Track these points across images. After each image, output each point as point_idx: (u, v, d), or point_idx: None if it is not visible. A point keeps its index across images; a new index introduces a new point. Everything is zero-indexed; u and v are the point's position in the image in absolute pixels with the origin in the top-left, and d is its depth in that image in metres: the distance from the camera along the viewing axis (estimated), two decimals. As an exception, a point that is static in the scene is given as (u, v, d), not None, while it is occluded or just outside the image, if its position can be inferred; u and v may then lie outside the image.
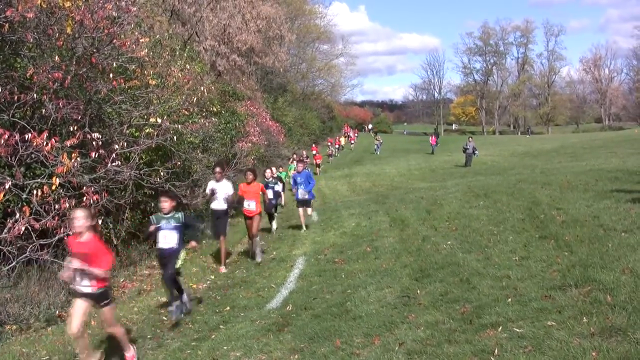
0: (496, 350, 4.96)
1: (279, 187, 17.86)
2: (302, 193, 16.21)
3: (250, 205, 12.83)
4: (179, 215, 8.93)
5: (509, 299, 6.41)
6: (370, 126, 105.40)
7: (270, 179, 17.00)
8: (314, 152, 43.98)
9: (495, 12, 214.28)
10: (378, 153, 54.41)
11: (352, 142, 69.08)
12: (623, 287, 5.95)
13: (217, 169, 12.50)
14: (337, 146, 57.32)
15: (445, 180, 26.17)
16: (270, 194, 16.04)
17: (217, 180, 12.43)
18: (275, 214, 18.19)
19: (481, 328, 5.63)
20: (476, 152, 35.44)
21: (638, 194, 11.37)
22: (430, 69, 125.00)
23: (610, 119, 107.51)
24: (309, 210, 16.87)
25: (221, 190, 12.30)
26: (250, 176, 12.90)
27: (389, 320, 6.56)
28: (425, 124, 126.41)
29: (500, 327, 5.51)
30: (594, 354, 4.56)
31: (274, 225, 17.37)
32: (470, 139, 36.92)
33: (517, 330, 5.35)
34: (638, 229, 8.52)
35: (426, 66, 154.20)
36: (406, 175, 31.96)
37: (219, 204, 12.41)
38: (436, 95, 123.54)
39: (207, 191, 12.71)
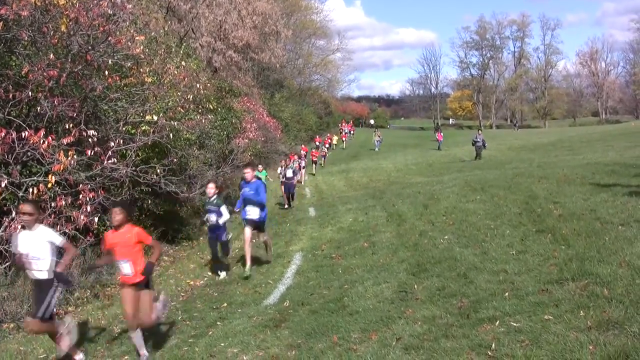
0: (493, 345, 4.96)
1: (224, 211, 11.84)
2: (250, 211, 11.34)
3: (125, 267, 6.87)
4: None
5: (506, 293, 6.41)
6: (372, 121, 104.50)
7: (214, 198, 11.89)
8: (304, 152, 42.48)
9: (491, 5, 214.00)
10: (377, 150, 53.12)
11: (345, 139, 65.14)
12: (620, 280, 5.95)
13: (24, 209, 6.70)
14: (326, 145, 52.98)
15: (442, 174, 26.17)
16: (212, 217, 11.71)
17: (28, 228, 6.81)
18: (223, 256, 12.47)
19: (478, 322, 5.63)
20: (485, 145, 35.24)
21: (635, 187, 11.39)
22: (427, 63, 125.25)
23: (607, 113, 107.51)
24: (263, 236, 12.02)
25: (32, 246, 6.69)
26: (117, 216, 6.83)
27: (386, 316, 6.55)
28: (422, 118, 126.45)
29: (498, 322, 5.51)
30: (591, 347, 4.56)
31: (222, 274, 11.81)
32: (479, 132, 36.73)
33: (514, 324, 5.35)
34: (635, 222, 8.53)
35: (423, 61, 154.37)
36: (403, 170, 31.98)
37: (36, 271, 6.78)
38: (433, 89, 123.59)
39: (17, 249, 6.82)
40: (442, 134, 51.41)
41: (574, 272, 6.60)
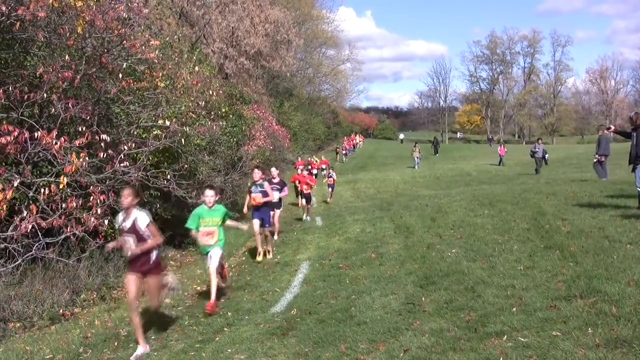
0: (501, 359, 4.97)
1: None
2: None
3: None
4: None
5: (514, 308, 6.41)
6: (401, 136, 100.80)
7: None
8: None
9: (502, 19, 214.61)
10: (417, 168, 44.08)
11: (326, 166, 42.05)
12: (628, 298, 5.95)
13: None
14: (315, 170, 36.09)
15: (449, 188, 26.16)
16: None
17: None
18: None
19: (486, 336, 5.63)
20: (546, 155, 32.26)
21: (644, 206, 11.38)
22: (437, 76, 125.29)
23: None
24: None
25: None
26: None
27: (394, 327, 6.55)
28: (430, 131, 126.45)
29: (505, 336, 5.51)
30: (599, 365, 4.56)
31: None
32: (539, 141, 32.74)
33: (522, 339, 5.35)
34: (643, 242, 8.52)
35: (432, 73, 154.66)
36: (410, 183, 31.97)
37: None
38: (441, 103, 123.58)
39: None
40: (504, 147, 44.90)
41: (582, 289, 6.59)
